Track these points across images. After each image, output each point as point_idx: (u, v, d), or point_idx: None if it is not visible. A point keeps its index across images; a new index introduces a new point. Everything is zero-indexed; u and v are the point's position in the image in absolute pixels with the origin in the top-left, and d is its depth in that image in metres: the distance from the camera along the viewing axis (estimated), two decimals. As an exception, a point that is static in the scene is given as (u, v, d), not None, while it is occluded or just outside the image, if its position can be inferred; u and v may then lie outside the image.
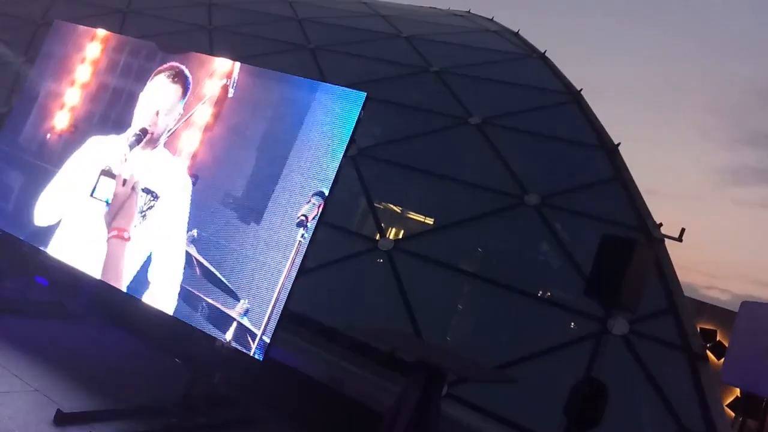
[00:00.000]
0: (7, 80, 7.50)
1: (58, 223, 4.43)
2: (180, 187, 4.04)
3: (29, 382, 3.57)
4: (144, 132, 4.28)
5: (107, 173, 4.32)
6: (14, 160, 4.85)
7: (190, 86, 4.26)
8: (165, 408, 3.68)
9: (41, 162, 4.71)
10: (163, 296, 3.88)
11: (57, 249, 4.37)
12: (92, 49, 4.85)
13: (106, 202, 4.27)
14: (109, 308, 4.87)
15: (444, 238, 5.18)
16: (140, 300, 3.95)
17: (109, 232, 4.19)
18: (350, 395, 4.10)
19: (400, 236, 5.26)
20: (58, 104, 4.82)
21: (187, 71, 4.31)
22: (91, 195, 4.34)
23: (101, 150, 4.45)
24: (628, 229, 4.54)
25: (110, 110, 4.58)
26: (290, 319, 3.61)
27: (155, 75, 4.44)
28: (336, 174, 3.67)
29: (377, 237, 5.13)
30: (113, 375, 4.18)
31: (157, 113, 4.26)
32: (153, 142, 4.25)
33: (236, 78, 4.19)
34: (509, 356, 4.26)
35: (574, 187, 5.11)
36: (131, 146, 4.27)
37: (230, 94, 4.17)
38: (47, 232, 4.45)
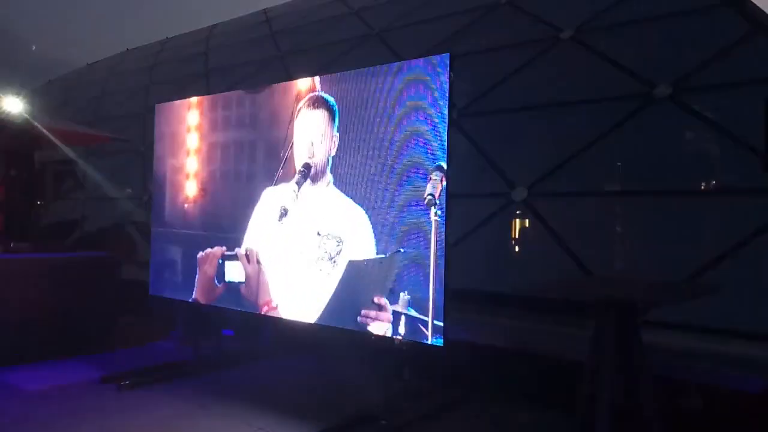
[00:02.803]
0: (139, 172, 8.40)
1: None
2: (361, 228, 3.92)
3: (252, 422, 3.93)
4: (307, 167, 4.25)
5: (229, 257, 4.59)
6: (168, 237, 5.38)
7: (333, 106, 4.17)
8: (372, 414, 3.85)
9: (188, 231, 5.17)
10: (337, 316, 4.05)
11: (232, 300, 4.74)
12: (193, 117, 5.22)
13: (240, 283, 4.55)
14: (291, 339, 5.22)
15: (578, 166, 4.83)
16: (315, 323, 4.15)
17: (261, 309, 4.43)
18: (537, 353, 3.99)
19: (531, 182, 4.99)
20: (184, 176, 5.25)
21: (324, 95, 4.23)
22: (225, 281, 4.65)
23: (271, 199, 4.55)
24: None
25: (229, 166, 4.89)
26: (454, 297, 3.58)
27: (297, 112, 4.42)
28: (447, 144, 3.56)
29: (508, 190, 4.93)
30: (314, 397, 4.47)
31: (312, 144, 4.26)
32: (321, 175, 4.21)
33: (321, 91, 4.24)
34: (698, 263, 3.85)
35: (706, 59, 4.48)
36: (299, 183, 4.31)
37: (321, 108, 4.23)
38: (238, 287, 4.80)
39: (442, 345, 3.53)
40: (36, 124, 6.45)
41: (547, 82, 5.38)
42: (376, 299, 3.77)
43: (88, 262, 6.03)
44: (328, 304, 4.04)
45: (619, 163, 4.94)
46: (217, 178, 4.98)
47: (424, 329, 3.62)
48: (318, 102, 4.24)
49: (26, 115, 6.39)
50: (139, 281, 5.78)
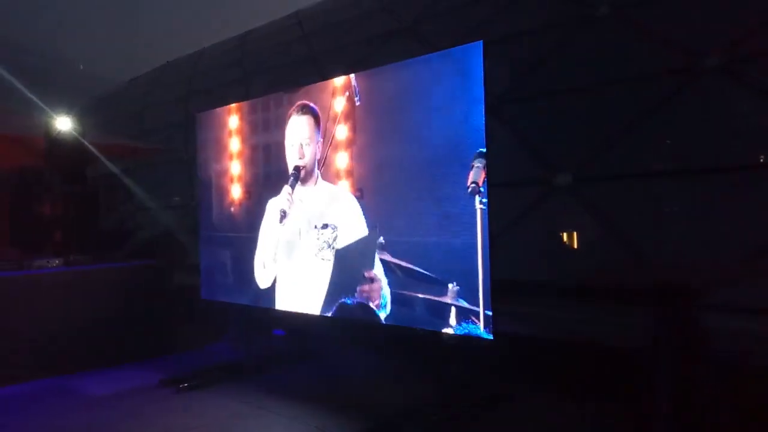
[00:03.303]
0: (185, 180, 8.63)
1: (274, 281, 4.90)
2: (351, 211, 4.19)
3: (308, 422, 3.98)
4: (297, 169, 4.62)
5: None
6: (217, 240, 5.51)
7: (318, 113, 4.50)
8: (422, 409, 3.83)
9: (235, 233, 5.28)
10: (380, 309, 4.05)
11: (281, 300, 4.82)
12: (234, 122, 5.32)
13: None
14: (340, 336, 5.25)
15: (625, 146, 4.65)
16: (369, 321, 4.16)
17: None
18: (590, 343, 3.87)
19: (576, 167, 4.85)
20: (228, 179, 5.37)
21: (310, 104, 4.59)
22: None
23: (274, 204, 4.88)
24: None
25: (271, 166, 4.97)
26: (502, 289, 3.51)
27: (288, 118, 4.76)
28: (486, 131, 3.49)
29: (552, 176, 4.80)
30: (367, 393, 4.49)
31: (301, 146, 4.59)
32: (310, 175, 4.54)
33: (356, 87, 4.24)
34: (760, 242, 3.64)
35: (760, 23, 4.22)
36: (292, 186, 4.67)
37: (357, 104, 4.23)
38: (268, 290, 4.93)
39: (492, 338, 3.48)
40: (85, 141, 6.71)
41: (588, 61, 5.20)
42: (366, 273, 4.02)
43: (142, 270, 6.23)
44: (328, 286, 4.36)
45: (668, 141, 4.73)
46: (260, 180, 5.07)
47: (474, 319, 3.58)
48: (305, 108, 4.60)
49: (76, 133, 6.65)
50: (192, 286, 5.94)
